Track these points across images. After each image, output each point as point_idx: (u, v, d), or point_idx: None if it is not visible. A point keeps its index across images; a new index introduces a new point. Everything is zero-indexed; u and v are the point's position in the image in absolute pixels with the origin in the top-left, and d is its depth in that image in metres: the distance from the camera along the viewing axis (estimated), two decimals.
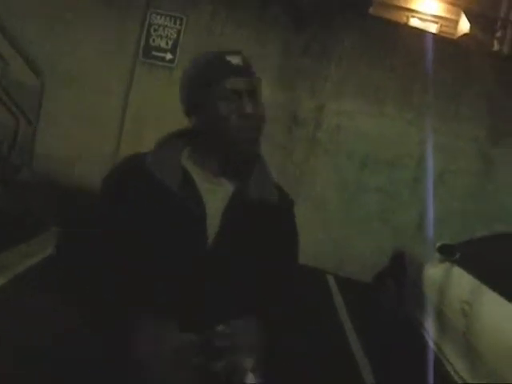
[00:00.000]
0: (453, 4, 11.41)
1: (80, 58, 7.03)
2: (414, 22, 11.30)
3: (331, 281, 6.87)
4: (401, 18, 10.96)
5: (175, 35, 6.98)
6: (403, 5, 11.63)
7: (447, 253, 4.86)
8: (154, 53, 7.02)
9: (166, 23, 6.97)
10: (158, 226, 1.40)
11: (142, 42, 7.00)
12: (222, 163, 1.48)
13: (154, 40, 6.98)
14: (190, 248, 1.42)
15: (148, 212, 1.41)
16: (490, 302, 4.01)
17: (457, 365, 4.13)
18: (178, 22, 6.97)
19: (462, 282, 4.53)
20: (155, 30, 6.98)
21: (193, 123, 1.48)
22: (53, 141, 6.97)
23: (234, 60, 1.44)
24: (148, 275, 1.39)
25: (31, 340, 3.33)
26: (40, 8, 7.09)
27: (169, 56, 7.01)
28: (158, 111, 6.97)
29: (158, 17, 6.99)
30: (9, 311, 3.69)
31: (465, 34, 10.14)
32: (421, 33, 7.58)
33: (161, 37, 6.97)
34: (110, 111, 6.95)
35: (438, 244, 4.95)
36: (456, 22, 11.46)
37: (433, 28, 11.12)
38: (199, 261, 1.42)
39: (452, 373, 4.17)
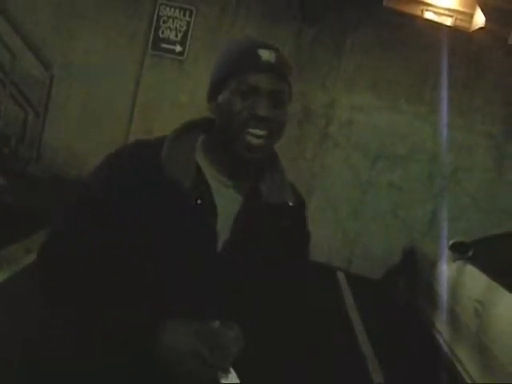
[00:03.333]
0: None
1: (89, 51, 7.00)
2: (429, 16, 11.14)
3: (341, 277, 6.79)
4: (415, 11, 10.79)
5: (185, 27, 6.90)
6: None
7: (460, 250, 4.77)
8: (164, 45, 6.94)
9: (175, 15, 6.90)
10: (165, 227, 1.30)
11: (151, 34, 6.94)
12: (229, 162, 1.38)
13: (163, 32, 6.90)
14: (199, 252, 1.32)
15: (155, 210, 1.30)
16: (504, 302, 3.91)
17: (468, 365, 4.06)
18: (187, 14, 6.89)
19: (475, 280, 4.44)
20: (164, 22, 6.90)
21: (210, 110, 1.39)
22: (61, 134, 6.94)
23: (265, 55, 1.32)
24: (153, 279, 1.29)
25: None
26: (49, 1, 7.05)
27: (178, 48, 6.94)
28: (167, 104, 6.93)
29: (168, 8, 6.91)
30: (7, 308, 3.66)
31: (480, 28, 9.97)
32: (435, 26, 7.45)
33: (170, 29, 6.90)
34: (119, 104, 6.90)
35: (450, 241, 4.86)
36: (471, 16, 11.29)
37: (448, 21, 10.96)
38: (208, 266, 1.32)
39: (463, 373, 4.09)
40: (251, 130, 1.30)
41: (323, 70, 7.03)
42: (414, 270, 5.61)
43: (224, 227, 1.36)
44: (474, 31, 10.02)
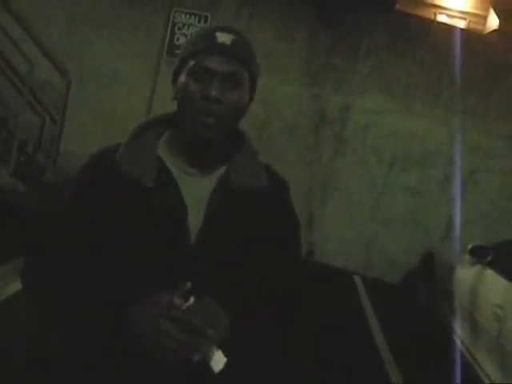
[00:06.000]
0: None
1: (105, 57, 7.05)
2: (442, 19, 11.13)
3: (358, 281, 6.77)
4: (428, 14, 10.79)
5: None
6: (430, 1, 11.45)
7: (479, 254, 4.73)
8: (179, 51, 6.97)
9: (190, 21, 6.93)
10: (134, 227, 1.30)
11: (167, 41, 6.97)
12: (193, 149, 1.37)
13: (178, 39, 6.93)
14: (172, 247, 1.31)
15: (121, 214, 1.30)
16: None
17: (488, 368, 4.03)
18: (202, 20, 6.92)
19: (494, 284, 4.41)
20: (179, 29, 6.94)
21: (173, 94, 1.39)
22: (78, 140, 6.98)
23: (222, 38, 1.32)
24: (129, 279, 1.29)
25: None
26: (65, 8, 7.11)
27: None
28: None
29: (183, 15, 6.95)
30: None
31: (494, 30, 9.94)
32: (449, 29, 7.44)
33: (185, 35, 6.93)
34: (135, 110, 6.93)
35: (469, 245, 4.82)
36: (485, 18, 11.26)
37: (461, 24, 10.92)
38: (183, 261, 1.31)
39: (482, 376, 4.07)
40: (203, 110, 1.29)
41: (338, 73, 7.03)
42: (432, 273, 5.58)
43: (196, 219, 1.34)
44: (487, 33, 9.99)
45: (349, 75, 7.04)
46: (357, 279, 6.84)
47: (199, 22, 6.92)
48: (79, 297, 1.31)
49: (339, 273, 6.87)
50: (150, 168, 1.34)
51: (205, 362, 1.23)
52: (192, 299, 1.22)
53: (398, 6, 8.29)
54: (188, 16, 6.94)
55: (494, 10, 10.65)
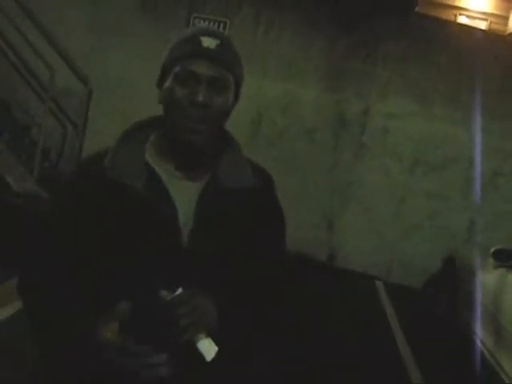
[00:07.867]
0: (502, 0, 11.11)
1: (125, 65, 7.09)
2: (463, 20, 11.05)
3: (380, 286, 6.74)
4: (448, 15, 10.71)
5: None
6: (450, 2, 11.38)
7: (502, 258, 4.69)
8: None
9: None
10: (125, 233, 1.31)
11: None
12: (180, 152, 1.38)
13: None
14: (164, 249, 1.32)
15: (112, 221, 1.31)
16: None
17: (510, 372, 4.00)
18: (221, 26, 6.95)
19: None
20: None
21: (159, 99, 1.42)
22: (100, 147, 7.04)
23: (207, 42, 1.34)
24: (122, 285, 1.29)
25: None
26: (86, 16, 7.18)
27: None
28: None
29: (202, 21, 6.98)
30: None
31: None
32: (469, 30, 7.38)
33: None
34: None
35: (492, 249, 4.78)
36: (506, 19, 11.16)
37: (482, 25, 10.83)
38: (175, 263, 1.31)
39: (504, 379, 4.03)
40: (191, 116, 1.31)
41: (357, 77, 7.01)
42: (453, 278, 5.54)
43: (187, 221, 1.36)
44: (509, 34, 9.90)
45: (368, 79, 7.01)
46: (378, 284, 6.81)
47: (218, 27, 6.95)
48: (67, 306, 1.30)
49: (361, 278, 6.84)
50: (138, 173, 1.36)
51: (197, 351, 1.23)
52: (179, 290, 1.23)
53: (417, 8, 8.25)
54: (207, 22, 6.98)
55: None
